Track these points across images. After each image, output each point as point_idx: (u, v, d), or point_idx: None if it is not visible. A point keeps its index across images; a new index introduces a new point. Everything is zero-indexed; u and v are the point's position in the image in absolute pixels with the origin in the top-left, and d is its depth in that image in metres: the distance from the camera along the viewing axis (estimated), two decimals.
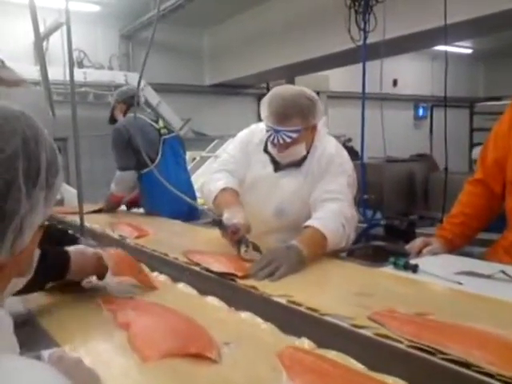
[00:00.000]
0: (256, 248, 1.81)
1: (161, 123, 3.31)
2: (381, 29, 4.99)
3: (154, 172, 3.10)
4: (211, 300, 1.44)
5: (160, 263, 1.86)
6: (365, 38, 5.01)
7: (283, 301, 1.34)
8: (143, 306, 1.36)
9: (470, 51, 10.93)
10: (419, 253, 1.84)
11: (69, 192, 3.52)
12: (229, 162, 2.16)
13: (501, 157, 1.88)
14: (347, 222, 1.83)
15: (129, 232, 2.40)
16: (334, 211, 1.82)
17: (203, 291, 1.51)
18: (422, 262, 1.66)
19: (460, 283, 1.44)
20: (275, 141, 1.91)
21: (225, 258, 1.72)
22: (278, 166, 2.05)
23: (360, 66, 5.09)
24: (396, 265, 1.63)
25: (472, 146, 7.59)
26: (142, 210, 3.41)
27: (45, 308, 1.40)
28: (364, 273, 1.66)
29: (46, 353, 0.85)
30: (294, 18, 6.99)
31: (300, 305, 1.29)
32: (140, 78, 2.31)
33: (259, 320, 1.27)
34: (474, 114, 7.74)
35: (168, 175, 3.14)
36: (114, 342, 1.15)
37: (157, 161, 3.15)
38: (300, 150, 1.96)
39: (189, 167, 5.48)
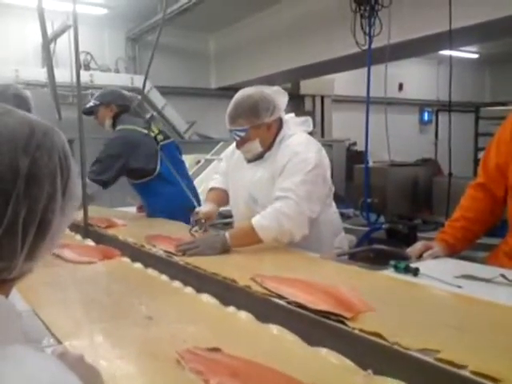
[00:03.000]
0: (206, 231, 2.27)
1: (155, 129, 3.19)
2: (386, 33, 5.00)
3: (150, 181, 3.14)
4: (327, 354, 1.06)
5: (229, 292, 1.50)
6: (370, 43, 5.02)
7: (430, 359, 0.95)
8: (245, 368, 0.96)
9: (476, 56, 10.90)
10: (420, 256, 1.85)
11: None
12: (222, 164, 2.55)
13: (503, 162, 1.89)
14: (289, 220, 1.97)
15: (175, 248, 2.01)
16: (275, 209, 2.00)
17: (306, 337, 1.14)
18: (423, 265, 1.67)
19: (460, 287, 1.45)
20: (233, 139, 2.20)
21: (313, 289, 1.36)
22: (249, 159, 2.27)
23: (365, 70, 5.09)
24: (397, 268, 1.64)
25: (477, 150, 7.58)
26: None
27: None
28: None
29: (48, 350, 0.87)
30: (300, 22, 7.00)
31: (461, 366, 0.89)
32: (145, 81, 2.33)
33: None
34: (480, 119, 7.72)
35: (166, 182, 3.15)
36: None
37: (157, 169, 3.11)
38: (254, 146, 2.16)
39: (193, 170, 5.50)
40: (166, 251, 1.99)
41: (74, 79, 2.57)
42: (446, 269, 1.67)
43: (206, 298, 1.49)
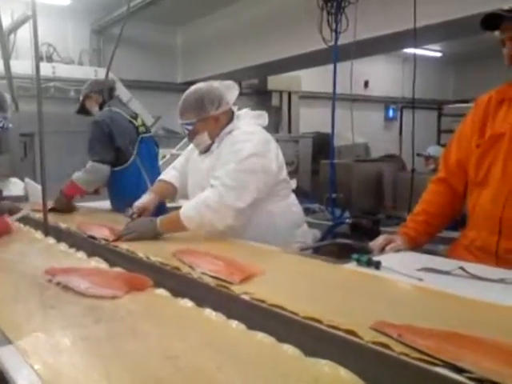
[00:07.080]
0: None
1: (139, 121, 3.30)
2: (352, 30, 5.05)
3: (122, 170, 3.13)
4: None
5: (353, 355, 0.98)
6: (336, 39, 5.06)
7: None
8: None
9: (439, 54, 11.13)
10: (382, 250, 1.87)
11: (33, 187, 3.46)
12: (180, 158, 2.62)
13: (463, 157, 1.93)
14: (211, 211, 2.04)
15: (236, 274, 1.45)
16: (201, 200, 2.07)
17: None
18: (385, 258, 1.69)
19: (420, 279, 1.47)
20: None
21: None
22: (200, 151, 2.37)
23: (331, 67, 5.13)
24: (359, 261, 1.65)
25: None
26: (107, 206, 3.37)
27: None
28: None
29: None
30: (267, 18, 7.00)
31: None
32: (107, 74, 2.29)
33: None
34: (442, 116, 7.89)
35: (141, 174, 3.19)
36: None
37: (132, 159, 3.17)
38: (203, 138, 2.25)
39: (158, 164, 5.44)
40: (215, 277, 1.46)
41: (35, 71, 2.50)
42: (407, 262, 1.69)
43: (324, 365, 0.93)
